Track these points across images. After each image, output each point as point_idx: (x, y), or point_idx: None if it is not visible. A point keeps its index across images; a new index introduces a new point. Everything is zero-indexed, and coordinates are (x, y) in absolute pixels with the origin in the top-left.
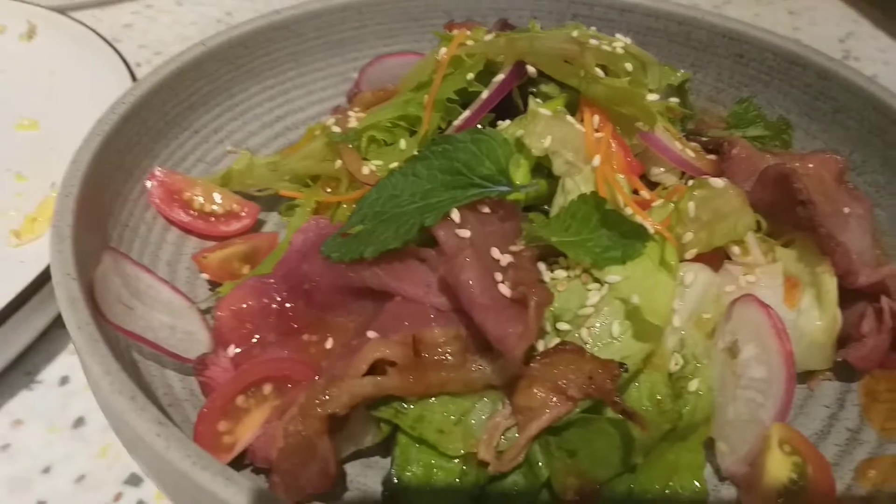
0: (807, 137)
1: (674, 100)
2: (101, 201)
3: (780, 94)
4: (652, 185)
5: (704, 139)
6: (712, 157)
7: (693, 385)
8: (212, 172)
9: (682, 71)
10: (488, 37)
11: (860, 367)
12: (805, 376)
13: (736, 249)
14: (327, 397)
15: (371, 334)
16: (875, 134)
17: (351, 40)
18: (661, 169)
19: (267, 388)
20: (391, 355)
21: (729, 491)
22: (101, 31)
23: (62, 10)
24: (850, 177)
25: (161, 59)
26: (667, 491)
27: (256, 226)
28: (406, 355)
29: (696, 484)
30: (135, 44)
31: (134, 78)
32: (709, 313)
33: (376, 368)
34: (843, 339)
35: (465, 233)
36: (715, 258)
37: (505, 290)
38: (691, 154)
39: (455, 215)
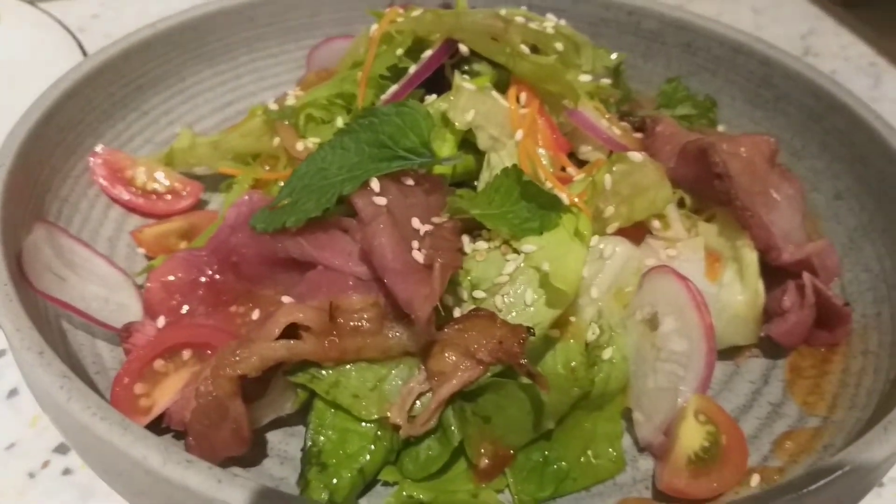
0: (751, 124)
1: (606, 81)
2: (37, 175)
3: (728, 82)
4: (581, 164)
5: (634, 119)
6: (639, 135)
7: (607, 353)
8: None
9: (618, 53)
10: (417, 13)
11: (783, 343)
12: (732, 352)
13: (657, 224)
14: (237, 359)
15: (286, 300)
16: (814, 120)
17: (305, 27)
18: (589, 147)
19: (186, 354)
20: (305, 320)
21: (647, 462)
22: (69, 20)
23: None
24: (791, 162)
25: None
26: (582, 459)
27: (200, 205)
28: (321, 320)
29: (612, 452)
30: (100, 33)
31: None
32: (629, 286)
33: (293, 334)
34: (770, 316)
35: (382, 200)
36: (637, 233)
37: (419, 256)
38: (617, 132)
39: (374, 184)
